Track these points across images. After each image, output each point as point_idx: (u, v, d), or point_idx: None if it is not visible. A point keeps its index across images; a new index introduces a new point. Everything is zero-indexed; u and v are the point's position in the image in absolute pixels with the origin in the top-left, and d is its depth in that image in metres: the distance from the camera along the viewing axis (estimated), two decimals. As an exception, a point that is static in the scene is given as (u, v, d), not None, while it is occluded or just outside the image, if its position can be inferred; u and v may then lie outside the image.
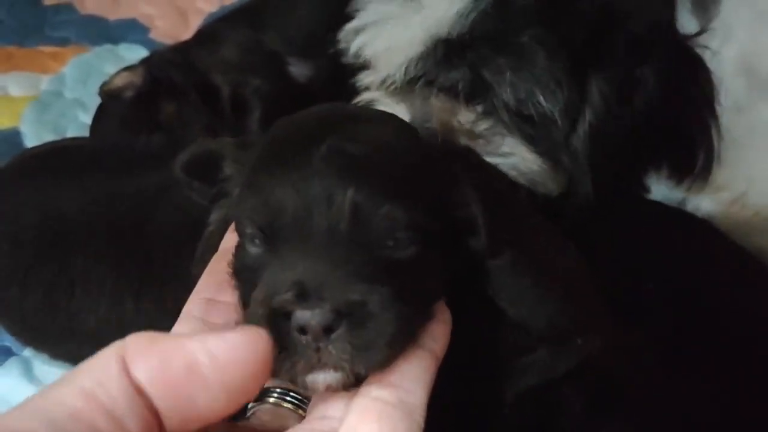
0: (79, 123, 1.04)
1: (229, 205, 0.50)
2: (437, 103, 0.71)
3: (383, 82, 0.73)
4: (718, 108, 0.74)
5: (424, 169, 0.46)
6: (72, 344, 0.72)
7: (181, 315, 0.45)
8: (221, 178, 0.51)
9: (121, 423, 0.32)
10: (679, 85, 0.72)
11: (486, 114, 0.70)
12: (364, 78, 0.76)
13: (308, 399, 0.43)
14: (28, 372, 0.77)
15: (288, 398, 0.44)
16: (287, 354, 0.39)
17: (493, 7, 0.67)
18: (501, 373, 0.47)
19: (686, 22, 0.75)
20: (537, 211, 0.62)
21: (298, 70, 0.86)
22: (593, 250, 0.54)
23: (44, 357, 0.77)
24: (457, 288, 0.45)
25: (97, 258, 0.67)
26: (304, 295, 0.38)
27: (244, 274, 0.44)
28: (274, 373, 0.39)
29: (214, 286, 0.46)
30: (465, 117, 0.71)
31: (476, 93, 0.70)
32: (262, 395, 0.44)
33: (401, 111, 0.72)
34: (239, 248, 0.45)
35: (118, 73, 0.86)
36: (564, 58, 0.67)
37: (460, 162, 0.61)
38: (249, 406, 0.45)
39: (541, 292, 0.48)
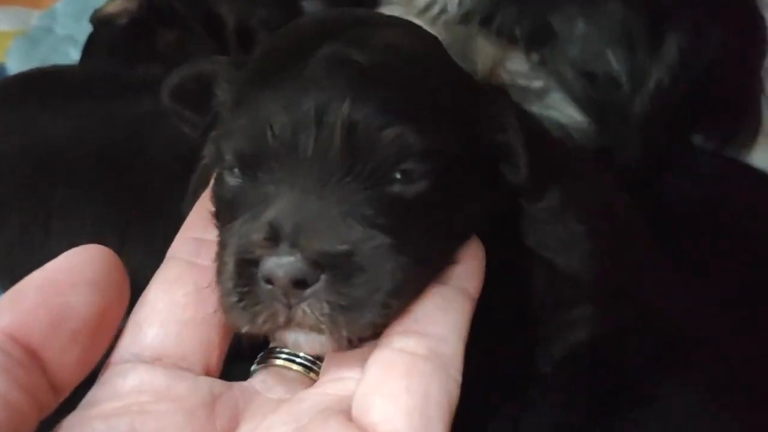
0: (70, 59, 0.97)
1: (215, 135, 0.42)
2: (486, 45, 0.63)
3: (425, 9, 0.64)
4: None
5: (448, 83, 0.38)
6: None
7: (167, 256, 0.39)
8: (215, 104, 0.44)
9: None
10: (739, 43, 0.66)
11: (541, 64, 0.63)
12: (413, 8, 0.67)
13: (321, 360, 0.37)
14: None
15: (297, 360, 0.38)
16: (249, 302, 0.32)
17: None
18: (546, 326, 0.41)
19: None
20: (585, 155, 0.56)
21: (310, 4, 0.80)
22: (646, 199, 0.48)
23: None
24: (494, 228, 0.39)
25: (80, 191, 0.60)
26: (275, 239, 0.31)
27: (222, 209, 0.37)
28: (235, 323, 0.34)
29: (202, 224, 0.39)
30: (516, 65, 0.63)
31: (537, 40, 0.62)
32: (268, 356, 0.38)
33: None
34: (218, 179, 0.38)
35: (111, -1, 0.80)
36: (642, 14, 0.60)
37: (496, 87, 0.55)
38: (252, 368, 0.38)
39: (596, 242, 0.42)
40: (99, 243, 0.59)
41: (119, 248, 0.59)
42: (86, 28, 0.87)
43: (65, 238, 0.61)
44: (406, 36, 0.39)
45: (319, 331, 0.32)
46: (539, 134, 0.47)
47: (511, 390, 0.41)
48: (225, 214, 0.37)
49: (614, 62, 0.60)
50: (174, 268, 0.38)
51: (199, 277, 0.36)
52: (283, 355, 0.38)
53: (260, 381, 0.37)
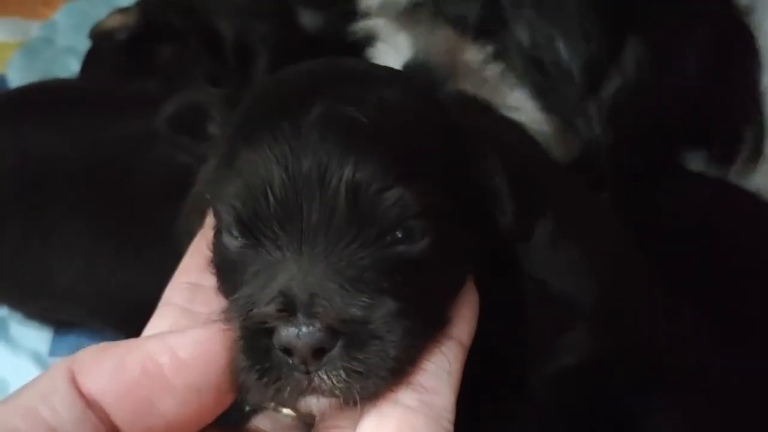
0: (70, 71, 0.97)
1: (204, 179, 0.42)
2: (443, 35, 0.62)
3: (384, 4, 0.64)
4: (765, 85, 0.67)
5: (441, 136, 0.38)
6: (47, 302, 0.67)
7: (161, 302, 0.38)
8: (208, 138, 0.44)
9: None
10: (728, 60, 0.65)
11: (496, 56, 0.62)
12: (364, 1, 0.68)
13: None
14: (4, 332, 0.72)
15: None
16: (270, 378, 0.32)
17: None
18: (536, 351, 0.42)
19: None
20: (575, 177, 0.56)
21: (309, 19, 0.80)
22: (638, 223, 0.49)
23: (20, 317, 0.72)
24: (485, 260, 0.39)
25: (76, 207, 0.61)
26: (290, 310, 0.31)
27: (224, 269, 0.37)
28: (257, 399, 0.33)
29: (197, 270, 0.39)
30: (473, 55, 0.62)
31: (489, 28, 0.61)
32: None
33: (402, 40, 0.64)
34: (217, 237, 0.37)
35: (111, 14, 0.80)
36: (600, 8, 0.59)
37: (483, 124, 0.55)
38: (246, 408, 0.38)
39: (588, 267, 0.42)
40: (95, 258, 0.61)
41: (114, 265, 0.61)
42: (86, 40, 0.88)
43: (61, 253, 0.62)
44: (399, 91, 0.38)
45: (333, 396, 0.32)
46: (528, 174, 0.47)
47: (499, 410, 0.42)
48: (228, 276, 0.36)
49: (564, 51, 0.59)
50: (169, 317, 0.37)
51: (194, 325, 0.35)
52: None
53: (254, 425, 0.37)
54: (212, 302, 0.37)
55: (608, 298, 0.42)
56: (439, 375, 0.33)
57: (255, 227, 0.34)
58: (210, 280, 0.38)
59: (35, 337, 0.71)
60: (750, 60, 0.68)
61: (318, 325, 0.31)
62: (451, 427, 0.32)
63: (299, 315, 0.31)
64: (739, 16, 0.67)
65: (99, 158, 0.62)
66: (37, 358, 0.70)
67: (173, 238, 0.42)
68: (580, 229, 0.44)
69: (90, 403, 0.30)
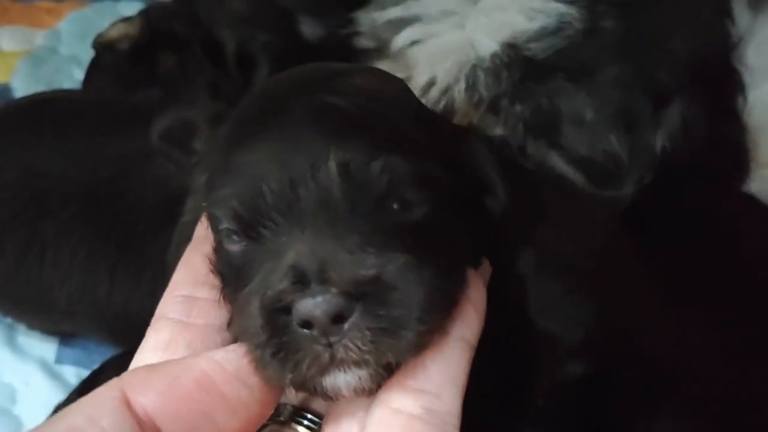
0: (74, 80, 0.98)
1: (196, 194, 0.43)
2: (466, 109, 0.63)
3: (427, 86, 0.64)
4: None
5: (418, 116, 0.40)
6: (47, 318, 0.68)
7: (155, 317, 0.38)
8: (195, 155, 0.45)
9: None
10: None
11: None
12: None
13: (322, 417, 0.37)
14: (11, 340, 0.73)
15: (300, 417, 0.37)
16: (288, 351, 0.32)
17: (583, 36, 0.60)
18: (536, 360, 0.42)
19: (740, 16, 0.69)
20: (561, 187, 0.57)
21: (310, 29, 0.80)
22: (637, 229, 0.49)
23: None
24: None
25: (71, 225, 0.61)
26: (303, 281, 0.31)
27: (230, 276, 0.37)
28: (279, 381, 0.33)
29: (190, 282, 0.39)
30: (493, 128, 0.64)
31: (542, 124, 0.62)
32: (274, 413, 0.38)
33: None
34: (218, 248, 0.38)
35: (114, 24, 0.81)
36: (648, 96, 0.61)
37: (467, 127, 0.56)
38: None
39: (575, 299, 0.42)
40: (93, 276, 0.61)
41: (109, 283, 0.61)
42: (90, 49, 0.89)
43: (58, 271, 0.62)
44: (376, 79, 0.40)
45: (364, 364, 0.32)
46: (519, 168, 0.48)
47: (500, 422, 0.42)
48: (235, 279, 0.36)
49: (616, 144, 0.61)
50: (165, 331, 0.37)
51: (192, 338, 0.36)
52: (287, 412, 0.38)
53: None
54: (209, 314, 0.37)
55: (603, 321, 0.42)
56: (444, 378, 0.32)
57: (256, 222, 0.34)
58: (205, 292, 0.38)
59: (42, 345, 0.72)
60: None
61: (333, 290, 0.31)
62: (457, 430, 0.32)
63: (312, 285, 0.31)
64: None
65: (97, 177, 0.62)
66: (45, 366, 0.71)
67: (166, 264, 0.43)
68: (565, 258, 0.44)
69: (141, 421, 0.30)
